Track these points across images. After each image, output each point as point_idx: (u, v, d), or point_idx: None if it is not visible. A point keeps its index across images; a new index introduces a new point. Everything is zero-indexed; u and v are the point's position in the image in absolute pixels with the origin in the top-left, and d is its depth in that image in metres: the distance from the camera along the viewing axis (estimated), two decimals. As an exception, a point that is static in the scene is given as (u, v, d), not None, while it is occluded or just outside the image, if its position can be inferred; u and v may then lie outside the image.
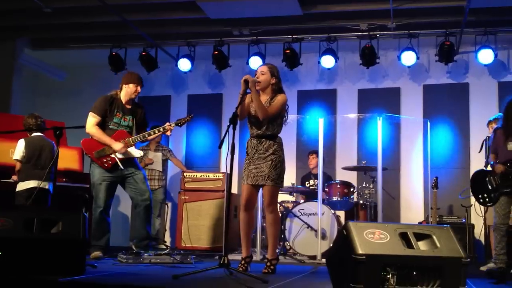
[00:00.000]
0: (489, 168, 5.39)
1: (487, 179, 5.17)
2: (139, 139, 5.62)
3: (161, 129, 5.64)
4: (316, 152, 7.00)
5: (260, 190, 5.02)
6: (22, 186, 5.94)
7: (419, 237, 3.35)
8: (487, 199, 5.17)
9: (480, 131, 7.28)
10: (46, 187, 5.91)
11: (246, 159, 4.78)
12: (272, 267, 4.68)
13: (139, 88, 5.69)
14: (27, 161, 5.99)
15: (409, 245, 3.27)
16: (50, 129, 5.20)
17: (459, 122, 8.23)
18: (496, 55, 7.69)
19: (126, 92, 5.67)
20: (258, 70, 4.84)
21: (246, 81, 4.54)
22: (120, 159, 5.53)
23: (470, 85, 8.33)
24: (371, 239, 3.23)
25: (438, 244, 3.30)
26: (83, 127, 5.43)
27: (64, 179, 6.63)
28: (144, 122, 5.86)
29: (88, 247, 5.38)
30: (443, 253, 3.26)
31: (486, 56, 7.68)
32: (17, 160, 6.02)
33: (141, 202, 5.59)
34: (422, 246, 3.32)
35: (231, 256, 5.15)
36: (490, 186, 5.13)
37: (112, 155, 5.52)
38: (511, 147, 5.10)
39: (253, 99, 4.65)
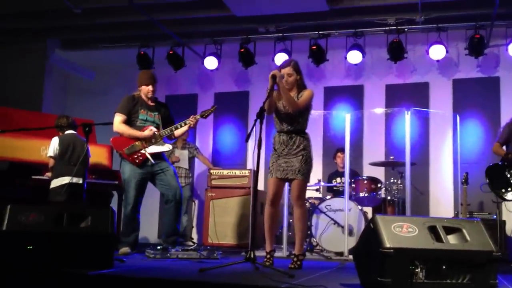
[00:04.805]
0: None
1: (506, 173, 4.87)
2: (167, 132, 5.68)
3: (187, 121, 5.66)
4: (342, 150, 6.95)
5: (286, 186, 5.01)
6: (56, 182, 6.02)
7: (449, 230, 3.30)
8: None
9: (512, 126, 7.10)
10: (80, 182, 5.95)
11: (273, 154, 4.77)
12: (298, 262, 4.67)
13: (150, 87, 5.73)
14: (60, 158, 6.09)
15: (438, 238, 3.22)
16: (79, 126, 5.32)
17: (489, 117, 8.04)
18: (528, 48, 7.51)
19: (142, 93, 5.76)
20: (284, 72, 4.70)
21: (273, 77, 4.52)
22: (150, 154, 5.59)
23: (501, 79, 8.13)
24: (399, 232, 3.19)
25: (468, 238, 3.25)
26: (111, 123, 5.50)
27: (93, 176, 6.71)
28: (170, 119, 5.91)
29: (117, 243, 5.44)
30: (474, 246, 3.21)
31: (517, 49, 7.51)
32: (50, 157, 6.14)
33: (172, 197, 5.63)
34: (452, 239, 3.27)
35: (257, 253, 5.14)
36: None
37: (143, 151, 5.58)
38: None
39: (282, 94, 4.64)
